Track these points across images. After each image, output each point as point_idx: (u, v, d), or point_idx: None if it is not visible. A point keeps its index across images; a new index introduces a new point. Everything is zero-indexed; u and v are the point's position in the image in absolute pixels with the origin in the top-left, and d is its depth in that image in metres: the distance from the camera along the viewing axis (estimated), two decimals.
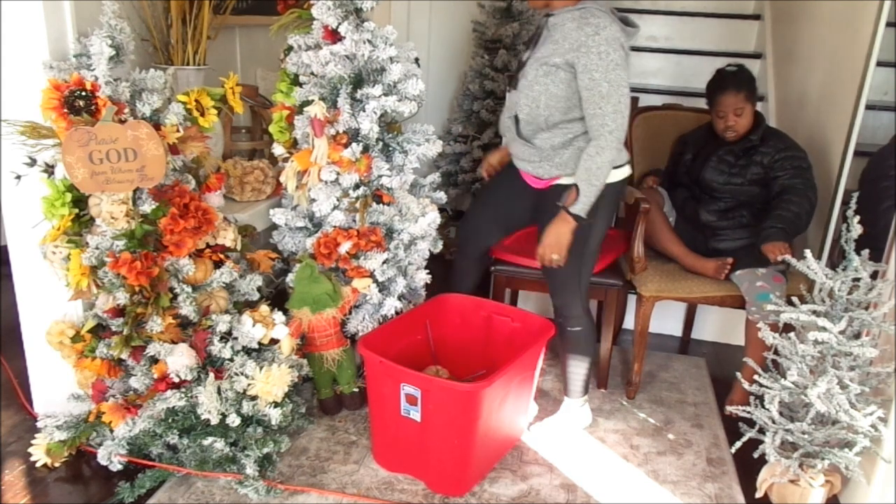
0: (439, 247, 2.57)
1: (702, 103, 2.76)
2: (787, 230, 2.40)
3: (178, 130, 2.02)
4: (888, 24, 2.59)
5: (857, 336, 1.96)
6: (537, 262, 2.19)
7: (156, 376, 2.00)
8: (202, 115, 2.12)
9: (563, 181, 2.16)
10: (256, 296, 2.26)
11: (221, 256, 2.17)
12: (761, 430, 2.05)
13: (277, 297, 2.44)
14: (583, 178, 2.05)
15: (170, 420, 2.00)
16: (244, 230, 2.30)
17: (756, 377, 2.03)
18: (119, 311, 2.02)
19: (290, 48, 2.43)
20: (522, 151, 2.21)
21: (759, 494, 2.09)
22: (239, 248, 2.23)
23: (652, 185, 2.82)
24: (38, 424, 2.16)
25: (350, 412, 2.44)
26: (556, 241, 2.10)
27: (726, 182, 2.59)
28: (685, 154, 2.77)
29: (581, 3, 2.06)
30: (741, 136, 2.57)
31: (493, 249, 2.52)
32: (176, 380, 1.99)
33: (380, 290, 2.38)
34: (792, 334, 2.01)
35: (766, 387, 2.01)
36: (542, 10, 2.13)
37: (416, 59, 2.40)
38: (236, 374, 2.05)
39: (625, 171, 2.20)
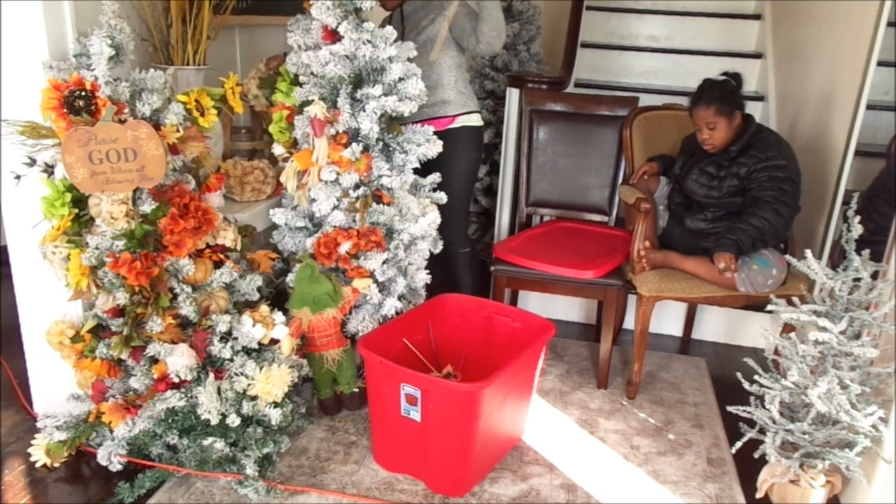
0: (439, 247, 2.57)
1: None
2: (740, 242, 2.38)
3: (178, 130, 2.02)
4: (888, 24, 2.59)
5: (858, 336, 1.95)
6: None
7: (156, 376, 2.00)
8: (202, 115, 2.12)
9: (460, 121, 2.78)
10: (256, 296, 2.26)
11: (221, 256, 2.17)
12: (762, 431, 2.05)
13: (277, 297, 2.43)
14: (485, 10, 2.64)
15: (170, 420, 1.99)
16: (244, 230, 2.30)
17: (756, 377, 2.03)
18: (119, 312, 2.02)
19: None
20: (429, 97, 2.65)
21: (759, 495, 2.09)
22: (239, 248, 2.23)
23: (646, 173, 2.80)
24: (38, 425, 2.16)
25: (350, 412, 2.44)
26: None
27: (706, 195, 2.56)
28: (678, 159, 2.76)
29: None
30: (720, 148, 2.53)
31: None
32: (176, 380, 1.99)
33: (380, 291, 2.38)
34: (792, 334, 2.01)
35: (767, 387, 2.01)
36: (396, 6, 2.78)
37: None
38: (236, 375, 2.04)
39: (478, 119, 2.84)
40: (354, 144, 2.28)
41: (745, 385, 2.06)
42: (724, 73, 2.55)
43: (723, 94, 2.48)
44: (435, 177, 2.55)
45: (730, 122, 2.49)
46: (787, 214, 2.41)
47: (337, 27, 2.22)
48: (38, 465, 2.07)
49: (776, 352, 2.08)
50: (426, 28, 2.71)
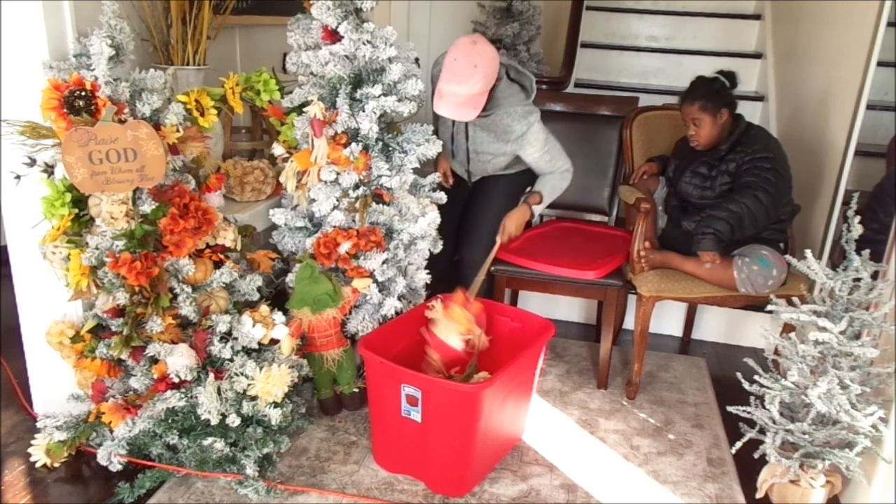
0: (439, 247, 2.57)
1: None
2: (717, 234, 2.39)
3: (178, 130, 2.02)
4: (888, 24, 2.59)
5: (858, 336, 1.95)
6: (502, 239, 2.64)
7: (156, 376, 2.00)
8: (202, 115, 2.12)
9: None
10: (256, 296, 2.26)
11: (221, 256, 2.17)
12: (762, 431, 2.05)
13: (277, 297, 2.43)
14: (548, 193, 2.69)
15: (170, 420, 1.99)
16: (244, 230, 2.30)
17: (756, 377, 2.03)
18: (119, 312, 2.02)
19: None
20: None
21: (759, 495, 2.09)
22: (239, 248, 2.23)
23: (645, 173, 2.81)
24: (38, 425, 2.16)
25: (350, 412, 2.44)
26: (519, 225, 2.67)
27: (700, 196, 2.57)
28: (671, 163, 2.76)
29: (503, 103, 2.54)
30: (706, 145, 2.53)
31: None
32: (176, 380, 1.99)
33: (380, 291, 2.38)
34: (792, 334, 2.01)
35: (767, 387, 2.01)
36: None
37: (416, 59, 2.40)
38: (236, 375, 2.04)
39: None
40: (354, 144, 2.28)
41: (745, 385, 2.07)
42: (719, 72, 2.55)
43: (708, 91, 2.50)
44: (434, 177, 2.55)
45: (715, 119, 2.49)
46: (766, 202, 2.39)
47: (337, 27, 2.22)
48: (38, 465, 2.07)
49: (776, 352, 2.08)
50: (504, 141, 2.60)
